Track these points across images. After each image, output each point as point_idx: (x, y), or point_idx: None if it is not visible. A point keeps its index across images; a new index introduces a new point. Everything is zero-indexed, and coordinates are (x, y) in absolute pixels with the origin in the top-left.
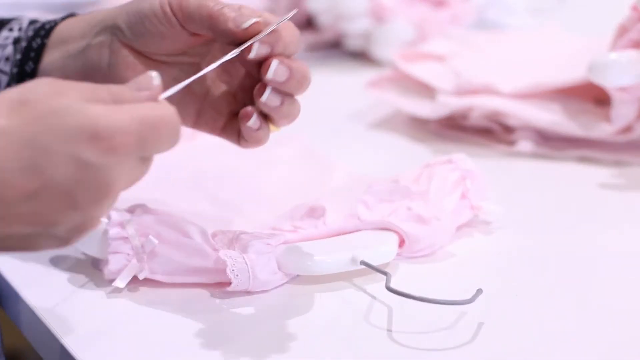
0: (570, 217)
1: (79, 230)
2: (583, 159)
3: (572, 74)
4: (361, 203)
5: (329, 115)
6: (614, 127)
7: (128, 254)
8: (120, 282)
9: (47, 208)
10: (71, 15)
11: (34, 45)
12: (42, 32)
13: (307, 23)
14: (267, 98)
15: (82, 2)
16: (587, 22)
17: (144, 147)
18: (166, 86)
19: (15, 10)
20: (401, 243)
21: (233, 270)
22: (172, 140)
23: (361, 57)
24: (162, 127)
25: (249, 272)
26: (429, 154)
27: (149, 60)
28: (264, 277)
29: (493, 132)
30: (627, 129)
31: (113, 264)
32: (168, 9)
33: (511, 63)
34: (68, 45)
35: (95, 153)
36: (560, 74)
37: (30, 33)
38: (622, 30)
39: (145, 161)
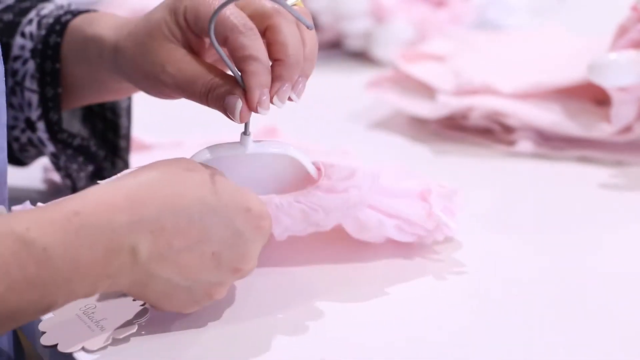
0: (570, 217)
1: (209, 294)
2: (583, 159)
3: (572, 74)
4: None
5: (329, 115)
6: (613, 127)
7: None
8: None
9: (198, 262)
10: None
11: (50, 42)
12: (57, 27)
13: None
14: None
15: (82, 2)
16: (587, 22)
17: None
18: None
19: None
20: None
21: None
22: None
23: (361, 57)
24: None
25: None
26: (429, 154)
27: None
28: None
29: (493, 132)
30: (627, 129)
31: None
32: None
33: (511, 63)
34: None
35: (248, 225)
36: (560, 74)
37: (43, 32)
38: (622, 31)
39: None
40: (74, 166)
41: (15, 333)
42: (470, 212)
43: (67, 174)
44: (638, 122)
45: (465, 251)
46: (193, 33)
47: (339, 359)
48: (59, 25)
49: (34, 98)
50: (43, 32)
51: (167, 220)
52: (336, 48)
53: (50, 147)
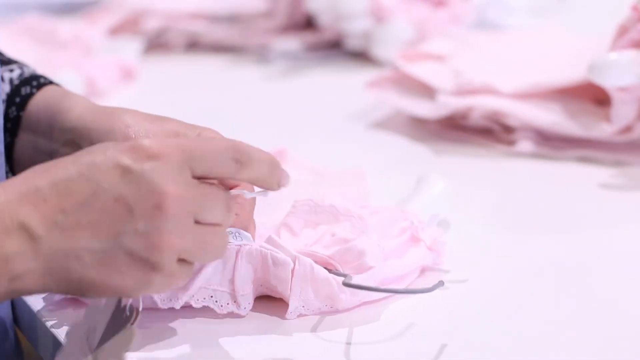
0: (570, 218)
1: (151, 244)
2: (583, 159)
3: (572, 74)
4: (285, 227)
5: (329, 115)
6: (614, 127)
7: None
8: None
9: (104, 215)
10: (49, 83)
11: (10, 114)
12: (17, 99)
13: (307, 23)
14: None
15: (82, 2)
16: (587, 22)
17: (188, 161)
18: None
19: (16, 11)
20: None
21: None
22: (224, 164)
23: (361, 57)
24: (208, 148)
25: None
26: (429, 154)
27: None
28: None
29: (493, 132)
30: (627, 129)
31: None
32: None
33: (511, 63)
34: (37, 138)
35: (136, 160)
36: (560, 74)
37: (17, 82)
38: (622, 30)
39: (204, 185)
40: None
41: (16, 336)
42: (470, 212)
43: None
44: (638, 122)
45: (465, 251)
46: None
47: None
48: (35, 81)
49: None
50: (17, 82)
51: (45, 191)
52: (336, 48)
53: None
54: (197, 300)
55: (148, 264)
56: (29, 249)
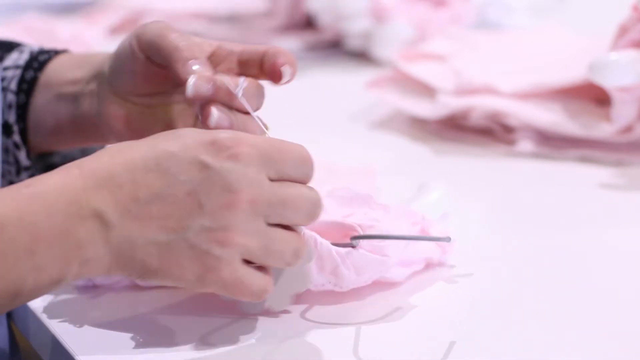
0: (571, 217)
1: (216, 240)
2: (583, 159)
3: (572, 73)
4: None
5: (329, 115)
6: (614, 127)
7: None
8: None
9: (174, 208)
10: (64, 51)
11: (27, 77)
12: (35, 64)
13: (307, 23)
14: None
15: (82, 2)
16: (587, 22)
17: (267, 162)
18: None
19: (15, 11)
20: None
21: None
22: (300, 168)
23: (361, 57)
24: (287, 151)
25: None
26: (429, 154)
27: (132, 106)
28: None
29: (493, 132)
30: (628, 129)
31: None
32: (134, 42)
33: (511, 63)
34: (60, 88)
35: (216, 157)
36: (561, 74)
37: (22, 63)
38: (623, 30)
39: (278, 183)
40: None
41: (10, 329)
42: (470, 212)
43: None
44: (638, 122)
45: (464, 251)
46: (149, 58)
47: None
48: (37, 63)
49: (14, 100)
50: (36, 50)
51: (122, 177)
52: (336, 48)
53: (23, 153)
54: None
55: (209, 259)
56: (101, 236)
